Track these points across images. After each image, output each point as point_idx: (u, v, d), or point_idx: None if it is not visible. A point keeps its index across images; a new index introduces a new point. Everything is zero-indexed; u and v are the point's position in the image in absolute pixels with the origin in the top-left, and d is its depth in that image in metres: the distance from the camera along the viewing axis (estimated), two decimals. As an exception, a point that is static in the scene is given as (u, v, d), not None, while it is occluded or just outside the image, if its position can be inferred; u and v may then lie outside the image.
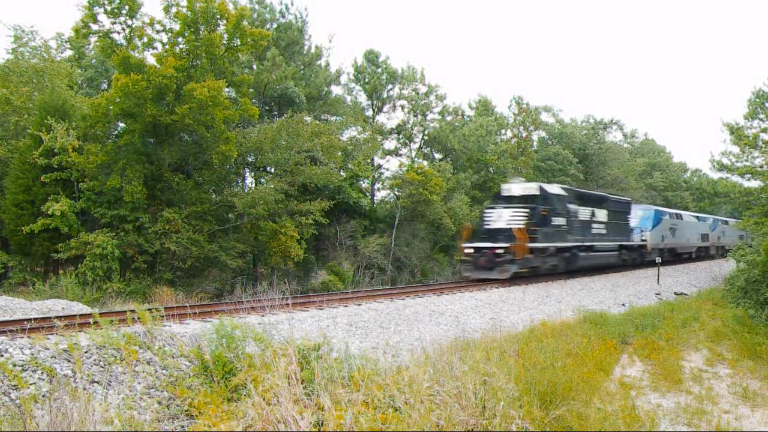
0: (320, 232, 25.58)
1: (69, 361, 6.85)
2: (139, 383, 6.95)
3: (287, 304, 11.97)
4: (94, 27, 20.30)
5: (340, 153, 25.67)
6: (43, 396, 6.16)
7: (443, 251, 31.10)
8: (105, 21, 20.16)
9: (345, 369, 6.40)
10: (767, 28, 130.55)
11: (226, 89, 21.65)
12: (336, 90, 31.82)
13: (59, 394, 5.91)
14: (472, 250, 19.55)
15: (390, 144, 34.97)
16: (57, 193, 18.41)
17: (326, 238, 27.95)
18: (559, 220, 21.31)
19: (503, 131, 43.68)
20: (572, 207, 22.55)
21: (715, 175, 27.70)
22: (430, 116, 35.16)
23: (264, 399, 5.58)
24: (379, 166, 34.58)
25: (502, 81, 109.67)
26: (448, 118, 35.56)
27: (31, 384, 6.34)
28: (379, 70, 33.39)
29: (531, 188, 21.34)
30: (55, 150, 18.54)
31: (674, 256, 34.01)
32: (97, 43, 21.08)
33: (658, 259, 26.65)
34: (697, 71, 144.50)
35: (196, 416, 6.28)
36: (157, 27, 20.19)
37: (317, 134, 23.32)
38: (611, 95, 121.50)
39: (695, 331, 13.74)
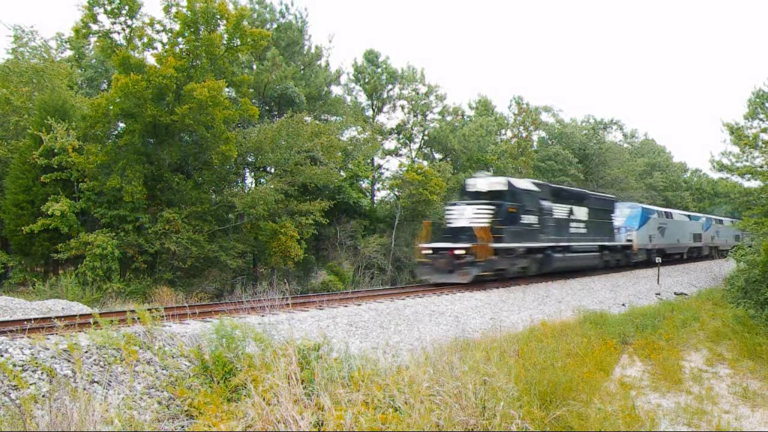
0: (320, 232, 25.58)
1: (69, 361, 6.85)
2: (139, 383, 6.95)
3: (287, 304, 11.95)
4: (94, 27, 20.29)
5: (340, 153, 25.68)
6: (43, 396, 6.16)
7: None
8: (105, 21, 20.18)
9: (345, 369, 6.40)
10: (767, 28, 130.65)
11: (226, 89, 21.65)
12: (336, 90, 31.88)
13: (59, 394, 5.91)
14: (430, 251, 17.86)
15: (390, 144, 35.03)
16: (57, 193, 18.41)
17: (326, 238, 27.96)
18: (529, 218, 19.66)
19: (503, 131, 43.70)
20: (546, 204, 20.92)
21: (715, 176, 27.61)
22: (430, 116, 35.19)
23: (264, 399, 5.58)
24: (379, 166, 34.63)
25: (502, 81, 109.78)
26: (448, 118, 35.57)
27: (31, 384, 6.34)
28: (379, 70, 33.41)
29: (498, 183, 19.51)
30: (55, 150, 18.54)
31: (664, 257, 31.89)
32: (97, 43, 21.08)
33: (658, 260, 26.54)
34: (697, 71, 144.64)
35: (196, 416, 6.28)
36: (157, 27, 20.22)
37: (317, 134, 23.33)
38: (611, 95, 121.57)
39: (695, 331, 13.74)
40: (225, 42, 20.49)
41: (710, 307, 17.04)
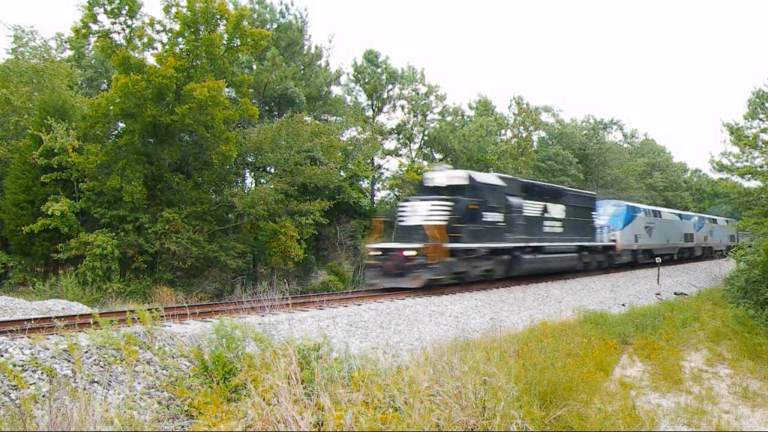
0: (320, 232, 25.58)
1: (69, 361, 6.85)
2: (139, 383, 6.95)
3: (287, 304, 11.95)
4: (94, 27, 20.30)
5: (340, 153, 25.68)
6: (43, 396, 6.16)
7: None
8: (105, 21, 20.19)
9: (345, 369, 6.40)
10: (767, 28, 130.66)
11: (226, 89, 21.67)
12: (336, 90, 31.91)
13: (59, 394, 5.91)
14: (379, 252, 16.08)
15: (390, 144, 35.06)
16: (57, 193, 18.43)
17: (326, 238, 27.97)
18: (494, 216, 17.82)
19: (503, 131, 43.75)
20: (515, 200, 19.09)
21: (715, 176, 27.43)
22: (430, 116, 35.23)
23: (264, 399, 5.58)
24: (379, 166, 34.63)
25: (502, 81, 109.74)
26: (448, 119, 35.60)
27: (31, 384, 6.34)
28: (379, 70, 33.44)
29: (458, 177, 17.61)
30: (55, 150, 18.55)
31: (651, 258, 30.38)
32: (97, 44, 21.09)
33: (658, 260, 26.45)
34: (697, 71, 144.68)
35: (196, 416, 6.28)
36: (157, 27, 20.25)
37: (317, 134, 23.34)
38: (611, 95, 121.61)
39: (695, 331, 13.74)
40: (225, 42, 20.51)
41: (710, 307, 17.03)
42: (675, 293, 22.74)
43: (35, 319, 10.21)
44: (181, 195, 20.34)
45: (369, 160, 32.28)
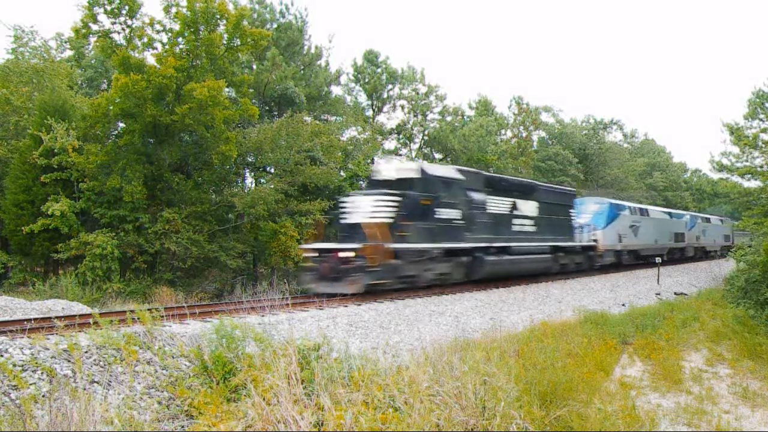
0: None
1: (69, 361, 6.85)
2: (139, 383, 6.95)
3: (287, 304, 11.95)
4: (94, 27, 20.29)
5: (340, 153, 25.67)
6: (43, 396, 6.16)
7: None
8: (105, 21, 20.17)
9: (345, 369, 6.40)
10: (767, 28, 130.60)
11: (226, 89, 21.66)
12: (336, 90, 31.91)
13: (59, 394, 5.91)
14: (315, 254, 14.60)
15: (390, 144, 35.08)
16: (57, 193, 18.42)
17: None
18: (450, 213, 16.18)
19: (503, 131, 43.78)
20: (477, 196, 17.43)
21: (715, 176, 27.38)
22: (430, 116, 35.26)
23: (264, 399, 5.58)
24: (379, 166, 34.60)
25: (502, 81, 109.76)
26: (448, 119, 35.62)
27: (31, 384, 6.34)
28: (379, 70, 33.46)
29: (408, 170, 16.01)
30: (55, 150, 18.55)
31: (638, 260, 28.94)
32: (97, 43, 21.08)
33: (658, 260, 26.39)
34: (697, 71, 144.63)
35: (196, 416, 6.28)
36: (157, 27, 20.22)
37: (317, 134, 23.35)
38: (611, 95, 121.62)
39: (695, 331, 13.75)
40: (225, 42, 20.50)
41: (710, 307, 17.04)
42: (675, 293, 22.74)
43: (35, 319, 10.21)
44: (181, 195, 20.34)
45: (369, 160, 32.27)
